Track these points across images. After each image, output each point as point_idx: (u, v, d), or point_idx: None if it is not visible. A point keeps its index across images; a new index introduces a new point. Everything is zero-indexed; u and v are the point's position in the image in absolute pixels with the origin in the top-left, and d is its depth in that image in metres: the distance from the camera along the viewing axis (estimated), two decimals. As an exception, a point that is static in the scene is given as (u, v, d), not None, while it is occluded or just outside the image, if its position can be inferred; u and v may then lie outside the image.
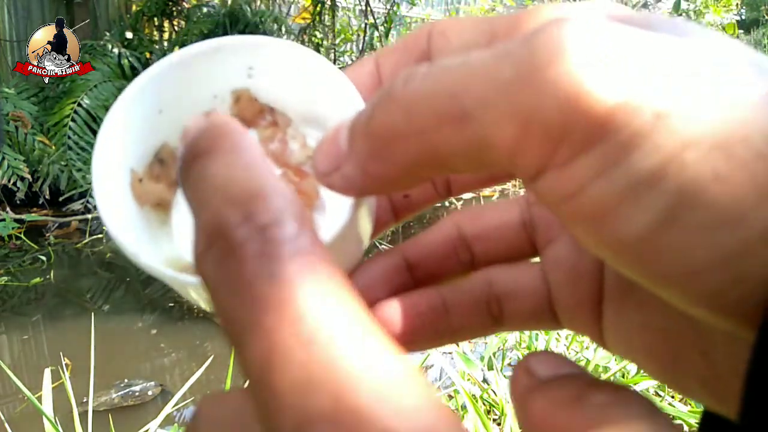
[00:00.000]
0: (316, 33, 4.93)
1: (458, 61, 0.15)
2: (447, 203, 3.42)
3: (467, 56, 0.15)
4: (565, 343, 1.75)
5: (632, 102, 0.13)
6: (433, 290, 0.23)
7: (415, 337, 0.22)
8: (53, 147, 3.33)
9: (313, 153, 0.19)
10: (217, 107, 0.25)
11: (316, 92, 0.23)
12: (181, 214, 0.25)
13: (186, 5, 4.41)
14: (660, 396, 1.50)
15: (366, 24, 5.01)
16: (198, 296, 0.21)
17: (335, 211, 0.21)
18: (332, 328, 0.12)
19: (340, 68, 0.23)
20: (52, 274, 2.79)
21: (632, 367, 1.53)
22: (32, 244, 3.13)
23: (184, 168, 0.16)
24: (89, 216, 3.37)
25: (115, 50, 3.70)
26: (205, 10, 4.38)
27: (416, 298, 0.23)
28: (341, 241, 0.20)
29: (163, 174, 0.24)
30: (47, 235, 3.28)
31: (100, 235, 3.25)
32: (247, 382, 0.13)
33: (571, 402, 0.15)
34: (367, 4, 4.91)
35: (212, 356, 1.78)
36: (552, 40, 0.14)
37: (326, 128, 0.18)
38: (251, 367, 0.12)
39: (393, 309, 0.22)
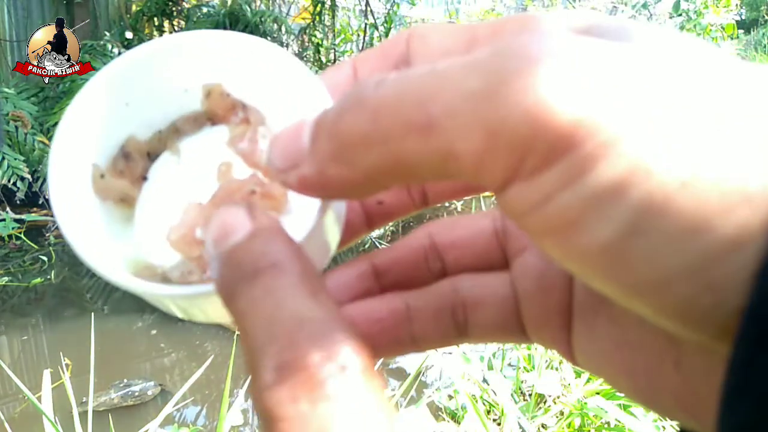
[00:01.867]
0: (316, 33, 4.92)
1: (428, 68, 0.15)
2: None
3: (437, 64, 0.15)
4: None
5: (597, 115, 0.13)
6: (396, 296, 0.22)
7: (372, 343, 0.21)
8: (53, 147, 3.32)
9: (268, 147, 0.18)
10: (188, 102, 0.24)
11: (288, 92, 0.22)
12: (145, 211, 0.23)
13: (186, 5, 4.41)
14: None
15: (366, 24, 5.00)
16: (175, 306, 0.21)
17: (302, 216, 0.20)
18: None
19: None
20: (52, 275, 2.79)
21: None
22: (32, 244, 3.13)
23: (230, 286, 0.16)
24: (89, 216, 3.36)
25: (115, 50, 3.70)
26: (205, 10, 4.38)
27: (376, 304, 0.22)
28: (306, 247, 0.19)
29: (127, 169, 0.23)
30: (47, 235, 3.28)
31: (100, 235, 3.25)
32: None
33: None
34: (367, 4, 4.90)
35: (212, 356, 1.78)
36: (520, 52, 0.14)
37: None
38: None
39: (347, 312, 0.21)
